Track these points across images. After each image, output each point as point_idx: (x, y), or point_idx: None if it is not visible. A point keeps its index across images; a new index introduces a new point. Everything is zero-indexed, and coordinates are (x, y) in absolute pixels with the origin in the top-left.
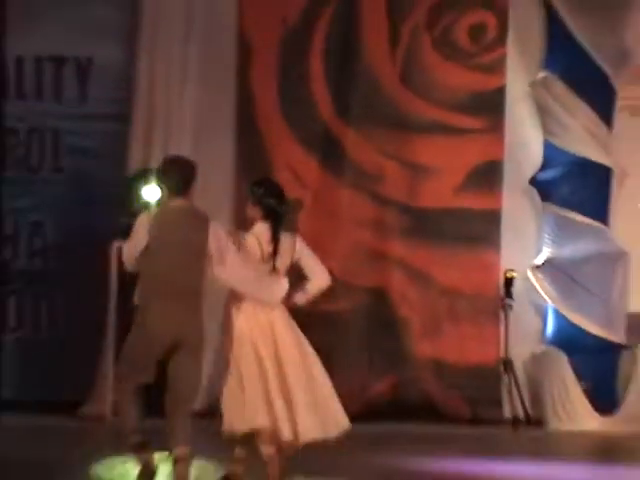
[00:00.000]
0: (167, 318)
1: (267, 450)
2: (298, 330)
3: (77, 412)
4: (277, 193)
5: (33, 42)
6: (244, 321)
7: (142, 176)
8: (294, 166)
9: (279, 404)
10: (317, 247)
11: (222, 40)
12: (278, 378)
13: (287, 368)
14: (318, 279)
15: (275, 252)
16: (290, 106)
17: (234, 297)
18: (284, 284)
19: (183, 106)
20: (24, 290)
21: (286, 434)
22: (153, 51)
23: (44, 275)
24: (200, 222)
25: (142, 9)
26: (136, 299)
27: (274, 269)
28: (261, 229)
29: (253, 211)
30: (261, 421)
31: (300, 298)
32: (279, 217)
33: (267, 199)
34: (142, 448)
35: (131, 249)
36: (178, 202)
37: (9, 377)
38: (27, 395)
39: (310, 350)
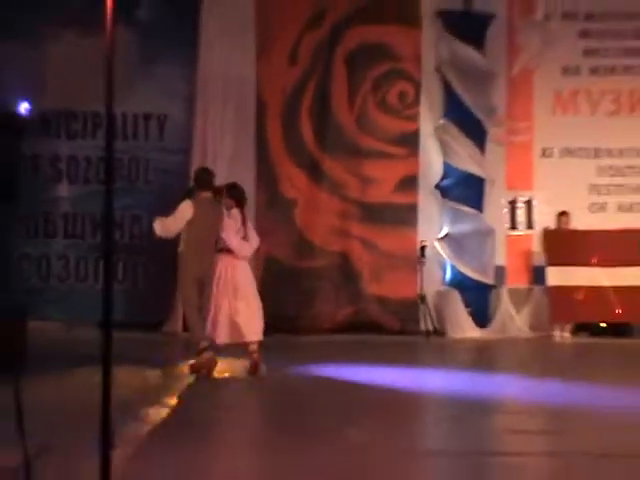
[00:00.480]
0: (199, 261)
1: (252, 347)
2: (251, 273)
3: (160, 329)
4: (242, 191)
5: (131, 103)
6: (222, 265)
7: (192, 189)
8: (292, 179)
9: (231, 316)
10: (306, 228)
11: (247, 101)
12: (234, 297)
13: (241, 290)
14: (254, 242)
15: (245, 226)
16: (289, 142)
17: (220, 251)
18: (248, 246)
19: (223, 144)
20: (127, 259)
21: (248, 337)
22: (205, 110)
23: (140, 250)
24: (218, 207)
25: (198, 83)
26: (180, 249)
27: (245, 237)
28: (235, 212)
29: (230, 201)
30: (233, 337)
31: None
32: (244, 205)
33: (240, 195)
34: (206, 350)
35: (174, 222)
36: (205, 194)
37: (120, 309)
38: (130, 319)
39: (254, 284)
